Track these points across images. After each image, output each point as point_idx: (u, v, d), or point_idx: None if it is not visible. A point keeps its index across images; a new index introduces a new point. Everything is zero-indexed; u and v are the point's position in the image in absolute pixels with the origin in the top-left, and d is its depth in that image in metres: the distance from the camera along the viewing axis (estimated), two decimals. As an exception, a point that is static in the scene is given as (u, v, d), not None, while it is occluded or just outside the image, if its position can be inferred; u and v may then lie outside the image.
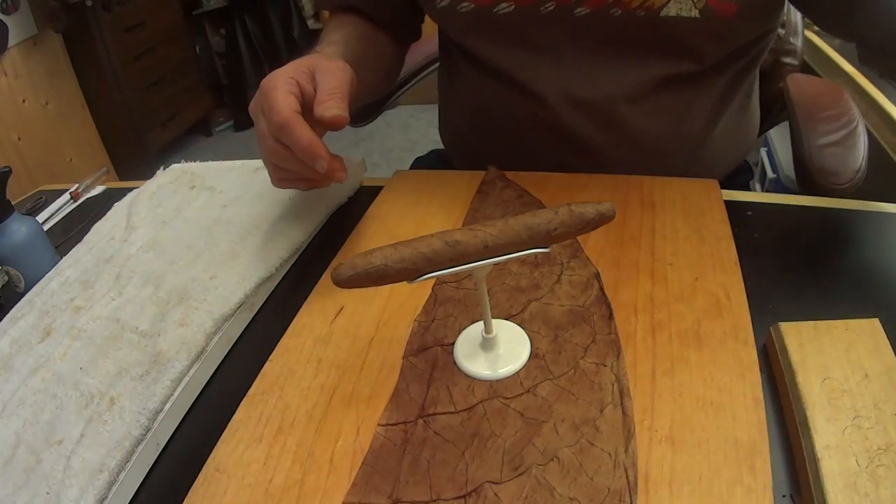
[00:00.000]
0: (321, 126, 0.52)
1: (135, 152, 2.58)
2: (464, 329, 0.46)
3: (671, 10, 0.58)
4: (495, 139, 0.67)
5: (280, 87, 0.51)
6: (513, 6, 0.62)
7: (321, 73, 0.54)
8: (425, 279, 0.35)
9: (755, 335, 0.43)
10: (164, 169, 0.77)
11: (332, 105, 0.51)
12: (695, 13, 0.57)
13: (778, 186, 1.40)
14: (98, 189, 0.83)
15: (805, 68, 0.86)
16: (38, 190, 0.86)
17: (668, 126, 0.67)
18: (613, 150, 0.67)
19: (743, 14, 0.57)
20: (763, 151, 1.52)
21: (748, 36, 0.62)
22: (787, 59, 0.84)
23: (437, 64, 0.85)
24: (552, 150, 0.66)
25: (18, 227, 0.61)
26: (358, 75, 0.62)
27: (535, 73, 0.66)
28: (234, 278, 0.54)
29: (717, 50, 0.62)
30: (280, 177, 0.55)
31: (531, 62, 0.66)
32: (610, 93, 0.65)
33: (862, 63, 0.61)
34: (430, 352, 0.45)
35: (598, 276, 0.49)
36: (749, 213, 0.57)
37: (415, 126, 2.73)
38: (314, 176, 0.52)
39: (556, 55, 0.64)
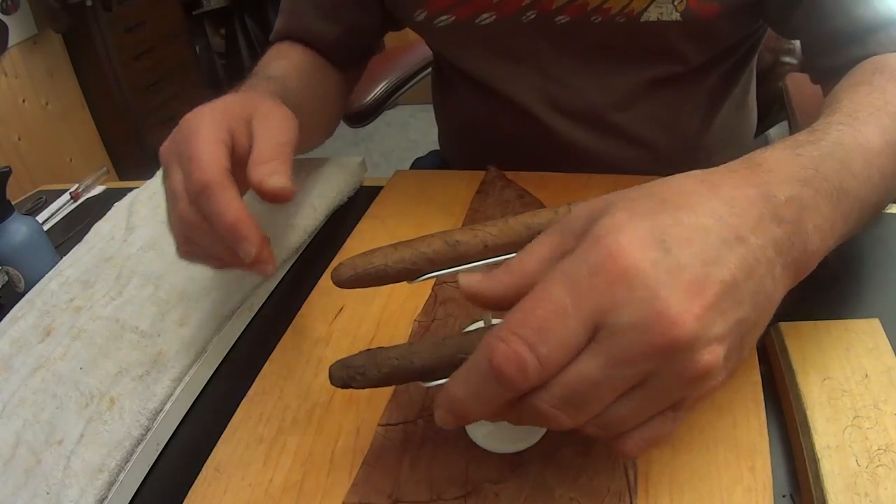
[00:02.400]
0: (258, 194, 0.40)
1: (135, 152, 2.58)
2: (464, 328, 0.46)
3: (651, 15, 0.57)
4: (489, 151, 0.67)
5: (206, 132, 0.40)
6: (494, 16, 0.61)
7: (261, 122, 0.43)
8: (425, 279, 0.35)
9: (755, 335, 0.42)
10: (164, 169, 0.77)
11: (274, 170, 0.39)
12: (676, 16, 0.57)
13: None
14: (98, 189, 0.83)
15: (804, 68, 0.85)
16: (38, 190, 0.86)
17: (662, 130, 0.67)
18: (609, 157, 0.67)
19: (725, 14, 0.57)
20: (763, 151, 1.52)
21: (733, 35, 0.62)
22: (787, 59, 0.84)
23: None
24: (547, 159, 0.65)
25: (18, 227, 0.61)
26: (300, 121, 0.53)
27: (520, 84, 0.66)
28: (234, 278, 0.54)
29: (701, 51, 0.61)
30: (188, 249, 0.43)
31: (515, 74, 0.65)
32: (596, 101, 0.64)
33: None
34: (430, 352, 0.45)
35: (598, 276, 0.49)
36: (749, 213, 0.57)
37: (415, 126, 2.73)
38: (232, 260, 0.40)
39: (539, 66, 0.64)
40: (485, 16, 0.62)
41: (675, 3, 0.56)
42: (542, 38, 0.62)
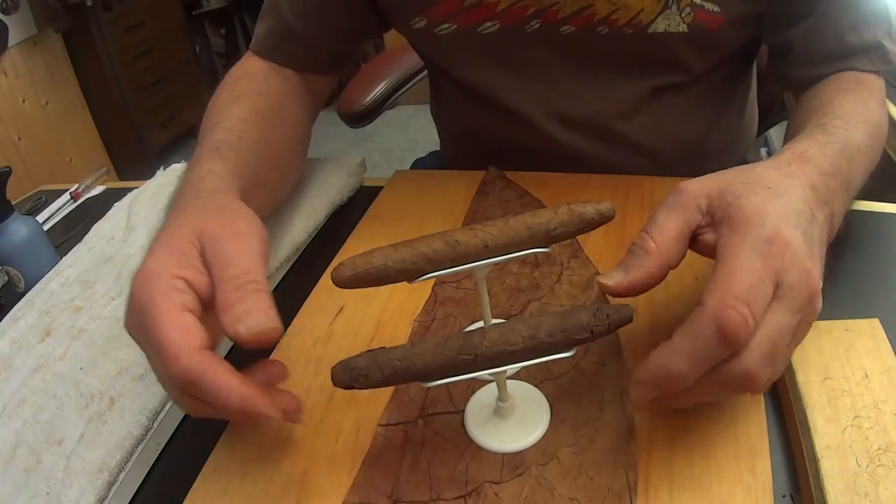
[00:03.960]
0: (239, 345, 0.34)
1: (135, 152, 2.58)
2: (464, 328, 0.46)
3: (659, 27, 0.57)
4: (490, 160, 0.66)
5: (162, 304, 0.34)
6: (497, 25, 0.60)
7: (213, 250, 0.36)
8: (425, 279, 0.35)
9: (755, 335, 0.42)
10: (164, 169, 0.77)
11: (245, 312, 0.33)
12: (683, 28, 0.57)
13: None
14: (98, 189, 0.83)
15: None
16: (38, 190, 0.86)
17: (665, 137, 0.66)
18: (611, 164, 0.66)
19: (730, 24, 0.57)
20: (763, 151, 1.52)
21: (735, 44, 0.62)
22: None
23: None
24: (549, 168, 0.65)
25: (18, 227, 0.61)
26: (260, 189, 0.50)
27: (522, 94, 0.65)
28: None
29: (704, 60, 0.62)
30: (200, 414, 0.37)
31: (517, 83, 0.65)
32: (600, 110, 0.64)
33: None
34: (430, 352, 0.45)
35: (598, 276, 0.49)
36: (749, 213, 0.57)
37: (415, 126, 2.73)
38: (251, 421, 0.38)
39: (542, 75, 0.63)
40: (488, 24, 0.61)
41: (683, 15, 0.56)
42: (546, 47, 0.61)
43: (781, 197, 0.35)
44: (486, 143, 0.72)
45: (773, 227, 0.33)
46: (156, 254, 0.37)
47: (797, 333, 0.34)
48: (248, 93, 0.59)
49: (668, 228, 0.35)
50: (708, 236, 0.35)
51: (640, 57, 0.61)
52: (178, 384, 0.34)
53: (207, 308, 0.36)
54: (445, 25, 0.62)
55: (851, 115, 0.46)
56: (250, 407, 0.33)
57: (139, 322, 0.35)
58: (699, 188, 0.36)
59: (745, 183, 0.35)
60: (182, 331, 0.33)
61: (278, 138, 0.57)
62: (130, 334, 0.37)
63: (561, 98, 0.64)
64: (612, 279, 0.35)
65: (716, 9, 0.56)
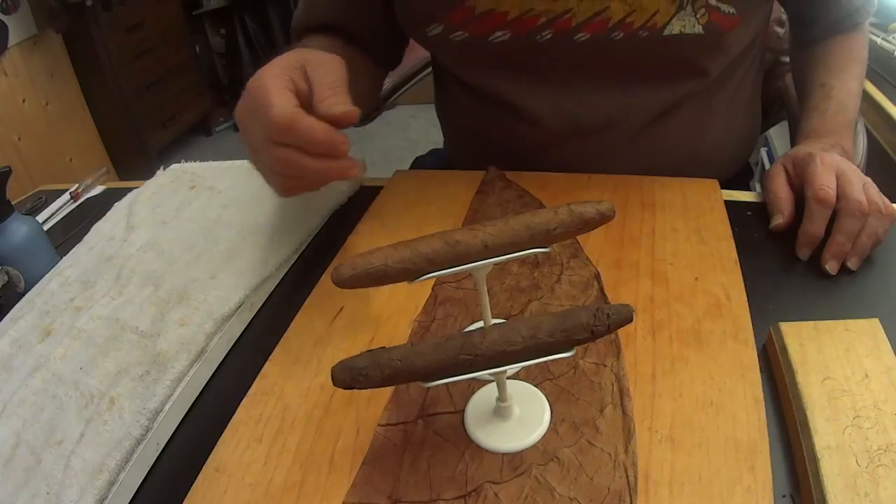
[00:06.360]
0: (329, 124, 0.46)
1: (135, 152, 2.58)
2: (464, 327, 0.46)
3: (675, 28, 0.57)
4: (495, 160, 0.66)
5: (272, 84, 0.46)
6: (509, 34, 0.60)
7: (314, 68, 0.48)
8: (425, 279, 0.35)
9: (755, 335, 0.43)
10: (164, 169, 0.77)
11: (337, 101, 0.46)
12: (698, 29, 0.56)
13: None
14: (98, 189, 0.83)
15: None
16: (38, 190, 0.86)
17: (679, 144, 0.66)
18: (622, 169, 0.66)
19: (744, 23, 0.57)
20: (763, 151, 1.52)
21: (744, 43, 0.62)
22: (787, 59, 0.84)
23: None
24: (553, 169, 0.64)
25: (18, 227, 0.61)
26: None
27: (534, 99, 0.65)
28: (234, 278, 0.54)
29: (719, 62, 0.62)
30: (289, 185, 0.49)
31: (529, 89, 0.64)
32: (614, 119, 0.64)
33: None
34: (430, 352, 0.45)
35: (598, 276, 0.49)
36: (749, 213, 0.57)
37: (415, 126, 2.73)
38: (328, 173, 0.47)
39: (555, 82, 0.63)
40: (499, 34, 0.60)
41: (698, 16, 0.56)
42: (559, 57, 0.61)
43: (834, 160, 0.54)
44: (493, 143, 0.71)
45: (839, 163, 0.53)
46: (271, 64, 0.48)
47: (856, 177, 0.52)
48: (324, 39, 0.67)
49: (782, 183, 0.56)
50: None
51: (655, 63, 0.60)
52: (277, 133, 0.44)
53: (303, 108, 0.46)
54: (459, 33, 0.62)
55: (850, 92, 0.64)
56: (333, 136, 0.44)
57: (250, 102, 0.46)
58: (790, 160, 0.57)
59: (816, 153, 0.55)
60: (287, 97, 0.45)
61: (351, 68, 0.60)
62: (238, 120, 0.49)
63: (574, 105, 0.64)
64: (776, 220, 0.54)
65: (731, 10, 0.56)
